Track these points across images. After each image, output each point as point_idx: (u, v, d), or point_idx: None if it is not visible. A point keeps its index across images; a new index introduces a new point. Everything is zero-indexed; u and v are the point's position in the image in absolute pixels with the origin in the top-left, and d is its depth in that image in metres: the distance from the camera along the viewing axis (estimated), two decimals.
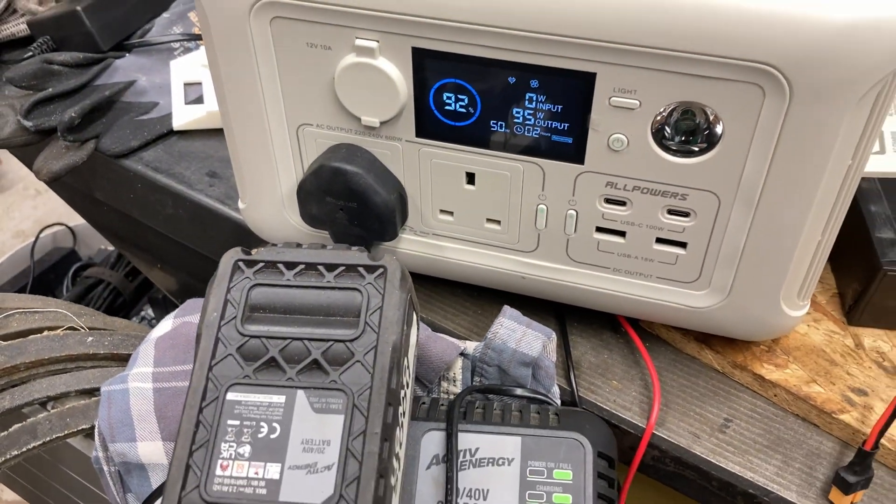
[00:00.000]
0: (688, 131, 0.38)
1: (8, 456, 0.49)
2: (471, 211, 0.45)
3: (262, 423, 0.34)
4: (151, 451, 0.46)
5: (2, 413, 0.52)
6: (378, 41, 0.39)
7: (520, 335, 0.45)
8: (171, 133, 0.63)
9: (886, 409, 0.41)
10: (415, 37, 0.38)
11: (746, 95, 0.35)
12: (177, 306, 0.93)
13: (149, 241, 0.75)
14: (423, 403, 0.44)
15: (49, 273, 1.41)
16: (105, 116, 0.63)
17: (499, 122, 0.40)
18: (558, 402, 0.46)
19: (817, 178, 0.37)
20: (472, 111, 0.40)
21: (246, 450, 0.34)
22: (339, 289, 0.37)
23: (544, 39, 0.36)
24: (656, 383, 0.46)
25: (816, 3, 0.32)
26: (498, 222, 0.45)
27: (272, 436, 0.34)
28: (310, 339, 0.36)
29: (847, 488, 0.42)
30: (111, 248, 1.46)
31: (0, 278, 1.41)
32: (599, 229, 0.43)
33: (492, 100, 0.40)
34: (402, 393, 0.38)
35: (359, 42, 0.39)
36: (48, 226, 1.49)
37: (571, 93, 0.38)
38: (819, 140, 0.35)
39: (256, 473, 0.34)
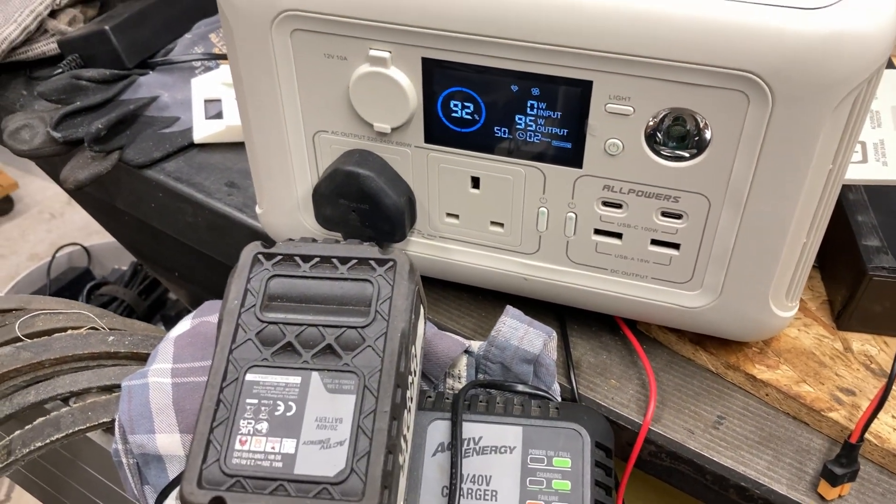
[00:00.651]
0: (679, 136, 0.41)
1: (32, 447, 0.52)
2: (476, 214, 0.47)
3: (279, 402, 0.37)
4: (169, 442, 0.49)
5: (27, 407, 0.54)
6: (390, 52, 0.42)
7: (522, 333, 0.47)
8: (192, 146, 0.66)
9: (871, 403, 0.43)
10: (424, 47, 0.41)
11: (732, 102, 0.38)
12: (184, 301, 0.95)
13: (166, 251, 0.78)
14: (429, 397, 0.46)
15: (64, 291, 1.44)
16: (129, 129, 0.66)
17: (502, 129, 0.43)
18: (559, 398, 0.48)
19: (800, 180, 0.39)
20: (477, 118, 0.43)
21: (263, 426, 0.36)
22: (352, 280, 0.40)
23: (544, 49, 0.39)
24: (653, 382, 0.48)
25: (794, 16, 0.35)
26: (501, 225, 0.47)
27: (288, 414, 0.37)
28: (324, 326, 0.39)
29: (834, 480, 0.43)
30: (125, 267, 1.49)
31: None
32: (597, 231, 0.45)
33: (496, 107, 0.42)
34: (410, 378, 0.40)
35: (372, 52, 0.42)
36: (64, 245, 1.52)
37: (570, 100, 0.41)
38: (801, 144, 0.38)
39: (273, 448, 0.36)
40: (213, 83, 0.70)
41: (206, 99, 0.69)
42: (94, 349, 0.56)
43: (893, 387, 0.45)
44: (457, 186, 0.47)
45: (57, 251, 1.51)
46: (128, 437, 0.49)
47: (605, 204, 0.44)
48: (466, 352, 0.49)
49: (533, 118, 0.42)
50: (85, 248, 1.54)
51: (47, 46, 0.72)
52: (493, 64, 0.41)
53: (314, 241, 0.41)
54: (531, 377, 0.48)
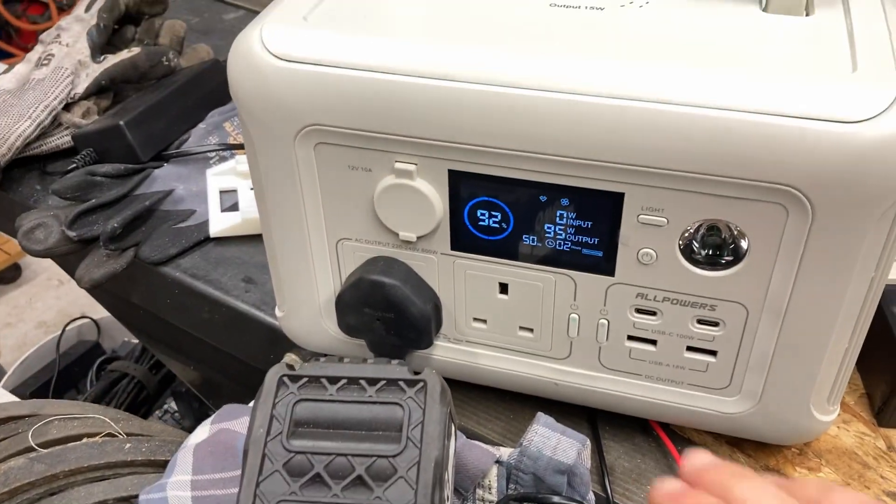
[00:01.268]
0: (714, 245, 0.39)
1: None
2: (504, 319, 0.46)
3: None
4: None
5: None
6: (416, 164, 0.41)
7: (555, 442, 0.46)
8: (208, 240, 0.65)
9: None
10: (451, 160, 0.40)
11: (771, 214, 0.37)
12: (200, 400, 0.94)
13: (180, 341, 0.76)
14: None
15: (74, 366, 1.42)
16: (144, 224, 0.65)
17: (531, 237, 0.42)
18: None
19: (842, 290, 0.38)
20: (504, 226, 0.42)
21: None
22: (381, 403, 0.38)
23: (574, 163, 0.38)
24: None
25: (834, 129, 0.34)
26: (531, 330, 0.46)
27: None
28: (353, 455, 0.37)
29: None
30: (135, 340, 1.48)
31: (26, 372, 1.43)
32: (631, 338, 0.44)
33: (523, 216, 0.42)
34: None
35: (398, 165, 0.41)
36: (73, 319, 1.51)
37: (601, 210, 0.40)
38: (842, 255, 0.37)
39: None
40: (228, 173, 0.70)
41: (221, 190, 0.69)
42: (111, 458, 0.54)
43: None
44: (484, 292, 0.45)
45: (66, 325, 1.50)
46: None
47: (639, 311, 0.43)
48: (497, 461, 0.47)
49: (563, 227, 0.41)
50: (94, 321, 1.53)
51: (61, 140, 0.72)
52: (520, 176, 0.40)
53: (340, 360, 0.40)
54: (565, 488, 0.46)
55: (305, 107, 0.40)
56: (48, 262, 2.16)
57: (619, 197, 0.39)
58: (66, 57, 0.73)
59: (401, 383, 0.39)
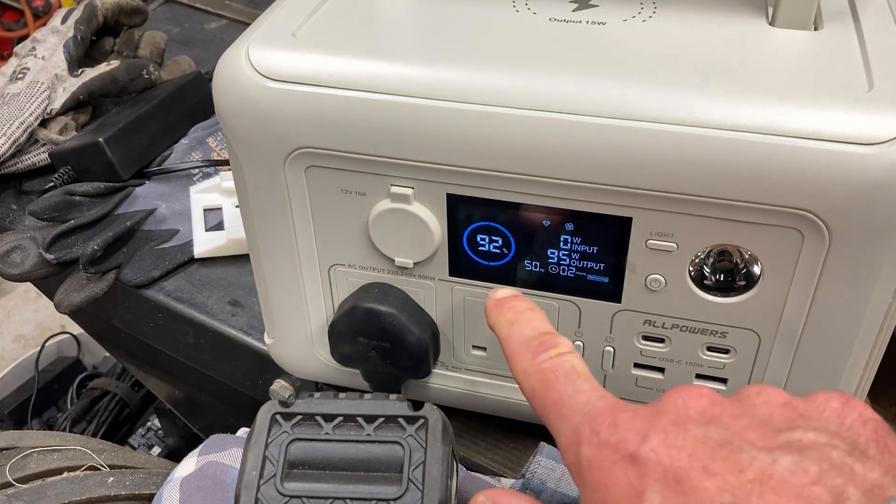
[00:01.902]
0: (725, 271, 0.38)
1: None
2: None
3: None
4: None
5: None
6: (413, 188, 0.39)
7: (559, 474, 0.44)
8: (192, 261, 0.63)
9: None
10: (449, 184, 0.39)
11: (785, 240, 0.35)
12: (182, 419, 0.91)
13: (163, 362, 0.74)
14: None
15: (53, 384, 1.39)
16: (126, 246, 0.63)
17: (533, 262, 0.40)
18: None
19: (859, 316, 0.37)
20: (505, 252, 0.41)
21: None
22: (380, 442, 0.36)
23: (579, 187, 0.36)
24: None
25: (852, 151, 0.33)
26: None
27: None
28: (351, 498, 0.35)
29: None
30: None
31: (4, 390, 1.39)
32: (638, 365, 0.42)
33: (525, 241, 0.40)
34: None
35: (394, 189, 0.39)
36: (52, 335, 1.48)
37: (607, 235, 0.38)
38: (860, 281, 0.35)
39: None
40: (212, 191, 0.67)
41: (205, 208, 0.66)
42: (93, 493, 0.52)
43: None
44: (484, 319, 0.43)
45: (46, 341, 1.46)
46: None
47: (646, 338, 0.41)
48: None
49: (567, 252, 0.39)
50: (74, 337, 1.50)
51: (38, 157, 0.70)
52: (522, 200, 0.38)
53: (336, 395, 0.38)
54: None
55: (296, 128, 0.38)
56: None
57: (627, 222, 0.37)
58: (42, 70, 0.70)
59: (400, 420, 0.37)
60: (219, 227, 0.65)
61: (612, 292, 0.40)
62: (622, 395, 0.44)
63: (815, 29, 0.39)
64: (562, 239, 0.39)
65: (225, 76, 0.39)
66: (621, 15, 0.41)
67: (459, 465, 0.47)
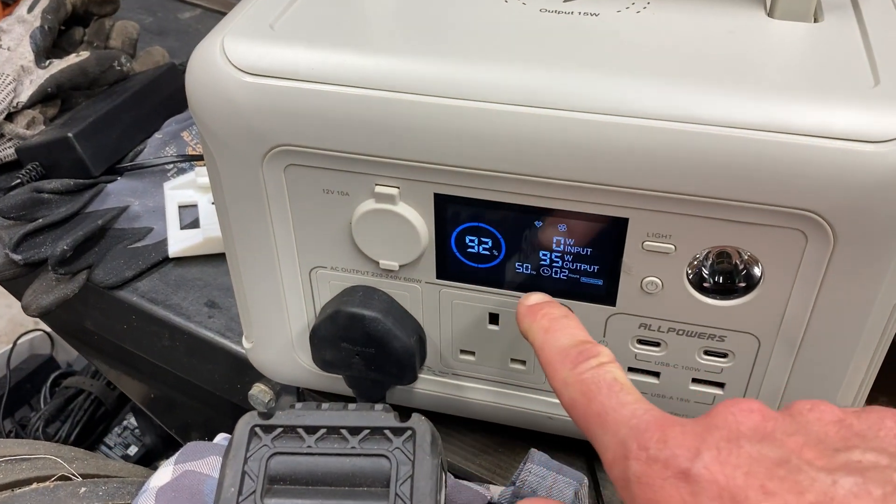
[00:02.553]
0: (724, 273, 0.36)
1: None
2: (494, 351, 0.43)
3: None
4: None
5: None
6: (398, 187, 0.37)
7: (550, 482, 0.42)
8: (167, 260, 0.61)
9: None
10: (437, 183, 0.37)
11: (788, 241, 0.34)
12: (157, 419, 0.89)
13: (137, 364, 0.72)
14: None
15: (26, 383, 1.36)
16: (97, 245, 0.60)
17: (524, 265, 0.39)
18: None
19: (862, 319, 0.35)
20: (495, 253, 0.39)
21: None
22: (365, 455, 0.35)
23: (572, 186, 0.35)
24: None
25: (858, 149, 0.31)
26: (523, 362, 0.43)
27: None
28: None
29: None
30: None
31: None
32: (632, 369, 0.41)
33: (516, 242, 0.38)
34: None
35: (379, 189, 0.37)
36: (25, 332, 1.44)
37: (602, 237, 0.36)
38: (865, 283, 0.34)
39: None
40: (187, 187, 0.65)
41: (180, 204, 0.64)
42: None
43: None
44: (473, 323, 0.42)
45: (18, 338, 1.43)
46: None
47: (642, 342, 0.40)
48: (489, 502, 0.44)
49: (559, 254, 0.38)
50: (48, 334, 1.46)
51: (4, 153, 0.67)
52: (513, 200, 0.36)
53: (319, 406, 0.36)
54: None
55: (274, 125, 0.36)
56: None
57: (623, 222, 0.36)
58: (7, 62, 0.67)
59: (387, 432, 0.35)
60: (194, 224, 0.63)
61: (607, 295, 0.38)
62: None
63: (815, 21, 0.38)
64: (554, 240, 0.37)
65: (199, 70, 0.37)
66: (615, 6, 0.39)
67: (447, 473, 0.45)
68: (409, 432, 0.35)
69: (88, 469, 0.55)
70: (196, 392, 0.67)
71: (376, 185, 0.37)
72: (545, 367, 0.33)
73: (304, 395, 0.52)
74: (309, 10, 0.39)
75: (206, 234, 0.61)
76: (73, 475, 0.53)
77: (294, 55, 0.36)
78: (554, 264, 0.38)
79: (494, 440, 0.49)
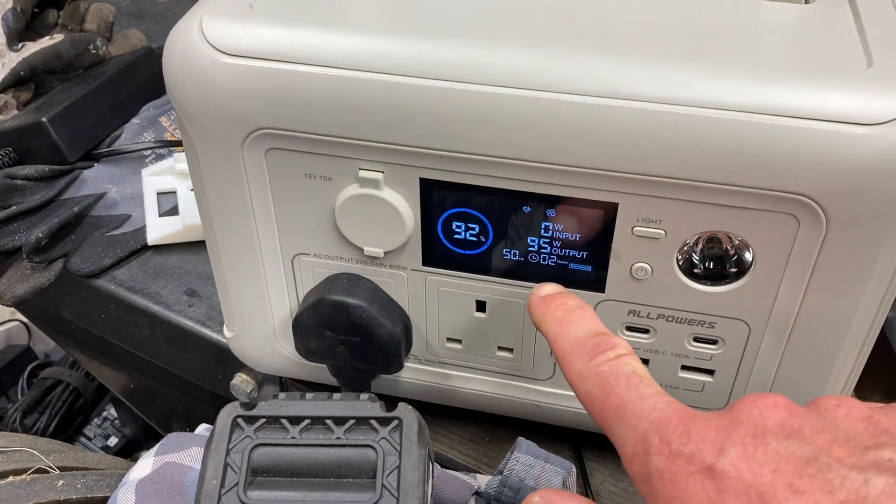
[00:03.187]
0: (715, 258, 0.36)
1: None
2: (481, 339, 0.42)
3: None
4: None
5: None
6: (383, 172, 0.36)
7: (538, 471, 0.42)
8: (146, 248, 0.59)
9: None
10: (422, 167, 0.36)
11: (780, 225, 0.33)
12: (137, 410, 0.88)
13: (115, 354, 0.70)
14: None
15: (2, 373, 1.33)
16: (73, 233, 0.59)
17: (512, 251, 0.38)
18: None
19: (854, 304, 0.35)
20: (482, 240, 0.38)
21: None
22: (351, 446, 0.34)
23: (561, 170, 0.34)
24: None
25: (851, 132, 0.31)
26: (510, 350, 0.42)
27: None
28: None
29: None
30: None
31: None
32: None
33: (504, 228, 0.37)
34: None
35: (363, 174, 0.36)
36: (1, 322, 1.42)
37: (591, 222, 0.36)
38: (857, 268, 0.34)
39: None
40: (166, 173, 0.64)
41: (159, 191, 0.63)
42: (41, 498, 0.49)
43: None
44: (459, 311, 0.41)
45: None
46: None
47: (630, 329, 0.39)
48: (475, 492, 0.43)
49: (548, 240, 0.37)
50: (24, 324, 1.44)
51: None
52: (501, 185, 0.36)
53: (303, 396, 0.35)
54: None
55: (254, 108, 0.35)
56: None
57: (613, 207, 0.35)
58: None
59: (373, 422, 0.34)
60: (173, 211, 0.61)
61: (595, 282, 0.38)
62: None
63: (807, 2, 0.37)
64: (543, 226, 0.37)
65: (176, 51, 0.36)
66: None
67: (434, 463, 0.45)
68: (395, 422, 0.34)
69: (66, 461, 0.54)
70: (176, 382, 0.66)
71: (360, 169, 0.36)
72: (559, 360, 0.32)
73: (286, 384, 0.51)
74: None
75: (186, 222, 0.59)
76: (51, 468, 0.52)
77: (274, 35, 0.35)
78: (542, 250, 0.38)
79: (481, 429, 0.48)
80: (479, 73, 0.33)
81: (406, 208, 0.37)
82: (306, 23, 0.35)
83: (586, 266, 0.37)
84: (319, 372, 0.46)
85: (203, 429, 0.50)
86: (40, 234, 0.55)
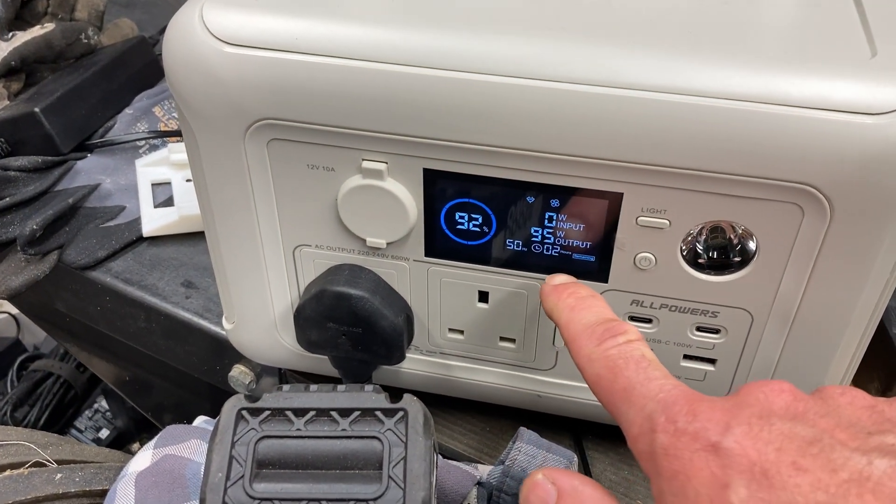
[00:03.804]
0: (719, 248, 0.36)
1: None
2: (483, 330, 0.42)
3: None
4: None
5: None
6: (386, 162, 0.36)
7: (540, 461, 0.42)
8: (141, 240, 0.59)
9: None
10: (426, 158, 0.36)
11: (784, 215, 0.33)
12: (131, 401, 0.87)
13: (111, 346, 0.70)
14: None
15: None
16: (68, 225, 0.58)
17: (515, 242, 0.38)
18: None
19: (856, 293, 0.35)
20: (486, 230, 0.38)
21: None
22: (357, 437, 0.34)
23: (566, 161, 0.34)
24: None
25: (857, 121, 0.31)
26: (513, 341, 0.42)
27: None
28: (327, 500, 0.33)
29: None
30: None
31: None
32: None
33: (508, 219, 0.37)
34: None
35: (366, 164, 0.36)
36: None
37: (595, 212, 0.36)
38: (860, 257, 0.34)
39: None
40: (160, 164, 0.63)
41: (153, 182, 0.62)
42: (39, 492, 0.48)
43: None
44: (462, 301, 0.41)
45: None
46: None
47: (633, 319, 0.39)
48: (477, 482, 0.43)
49: (551, 230, 0.37)
50: (13, 316, 1.43)
51: None
52: (505, 175, 0.35)
53: (307, 388, 0.35)
54: None
55: (257, 98, 0.35)
56: None
57: (618, 197, 0.35)
58: None
59: (378, 413, 0.34)
60: (168, 202, 0.61)
61: (599, 272, 0.38)
62: None
63: None
64: (547, 216, 0.37)
65: (177, 41, 0.35)
66: None
67: (438, 454, 0.45)
68: (400, 413, 0.34)
69: (63, 455, 0.53)
70: (171, 374, 0.66)
71: (363, 160, 0.36)
72: (569, 344, 0.33)
73: (286, 376, 0.51)
74: None
75: (182, 213, 0.59)
76: (48, 461, 0.52)
77: (277, 24, 0.34)
78: (546, 241, 0.38)
79: (482, 420, 0.48)
80: (482, 62, 0.33)
81: (409, 199, 0.37)
82: (309, 12, 0.35)
83: (590, 256, 0.37)
84: (320, 363, 0.46)
85: (202, 421, 0.49)
86: (35, 226, 0.55)
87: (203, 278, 0.56)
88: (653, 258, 0.36)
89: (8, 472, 0.50)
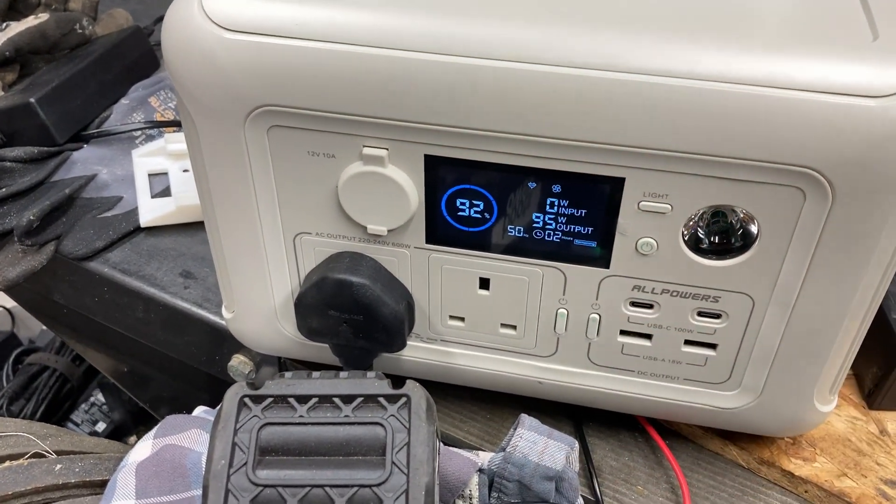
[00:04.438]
0: (721, 232, 0.36)
1: None
2: (484, 316, 0.42)
3: None
4: None
5: None
6: (387, 149, 0.36)
7: (541, 447, 0.42)
8: (139, 230, 0.59)
9: None
10: (427, 144, 0.36)
11: (786, 199, 0.33)
12: (128, 392, 0.87)
13: (108, 337, 0.70)
14: None
15: None
16: (65, 215, 0.58)
17: (517, 228, 0.38)
18: None
19: (857, 278, 0.35)
20: (487, 217, 0.38)
21: None
22: (360, 423, 0.34)
23: (568, 145, 0.34)
24: (685, 488, 0.43)
25: (859, 104, 0.31)
26: (514, 327, 0.42)
27: None
28: (331, 486, 0.32)
29: None
30: None
31: None
32: (624, 332, 0.41)
33: (509, 205, 0.37)
34: None
35: (366, 151, 0.36)
36: None
37: (597, 197, 0.36)
38: (861, 241, 0.34)
39: None
40: (157, 154, 0.63)
41: (150, 173, 0.62)
42: (39, 483, 0.48)
43: None
44: (462, 288, 0.41)
45: None
46: None
47: (634, 304, 0.39)
48: (478, 469, 0.43)
49: (553, 216, 0.37)
50: (7, 310, 1.42)
51: None
52: (506, 161, 0.35)
53: (309, 375, 0.35)
54: (553, 494, 0.43)
55: (257, 85, 0.35)
56: None
57: (619, 182, 0.35)
58: None
59: (381, 399, 0.34)
60: (165, 192, 0.61)
61: (601, 257, 0.38)
62: (606, 363, 0.42)
63: None
64: (548, 202, 0.37)
65: (176, 27, 0.35)
66: None
67: (440, 441, 0.45)
68: (403, 399, 0.34)
69: (63, 446, 0.53)
70: (169, 365, 0.66)
71: (364, 146, 0.36)
72: None
73: (285, 365, 0.51)
74: None
75: (179, 203, 0.59)
76: (48, 452, 0.52)
77: (277, 10, 0.34)
78: (547, 227, 0.37)
79: (482, 406, 0.48)
80: (483, 47, 0.33)
81: (410, 185, 0.37)
82: None
83: (591, 242, 0.37)
84: (320, 352, 0.45)
85: (201, 411, 0.49)
86: (31, 217, 0.54)
87: (201, 268, 0.56)
88: (654, 243, 0.36)
89: (8, 463, 0.50)
